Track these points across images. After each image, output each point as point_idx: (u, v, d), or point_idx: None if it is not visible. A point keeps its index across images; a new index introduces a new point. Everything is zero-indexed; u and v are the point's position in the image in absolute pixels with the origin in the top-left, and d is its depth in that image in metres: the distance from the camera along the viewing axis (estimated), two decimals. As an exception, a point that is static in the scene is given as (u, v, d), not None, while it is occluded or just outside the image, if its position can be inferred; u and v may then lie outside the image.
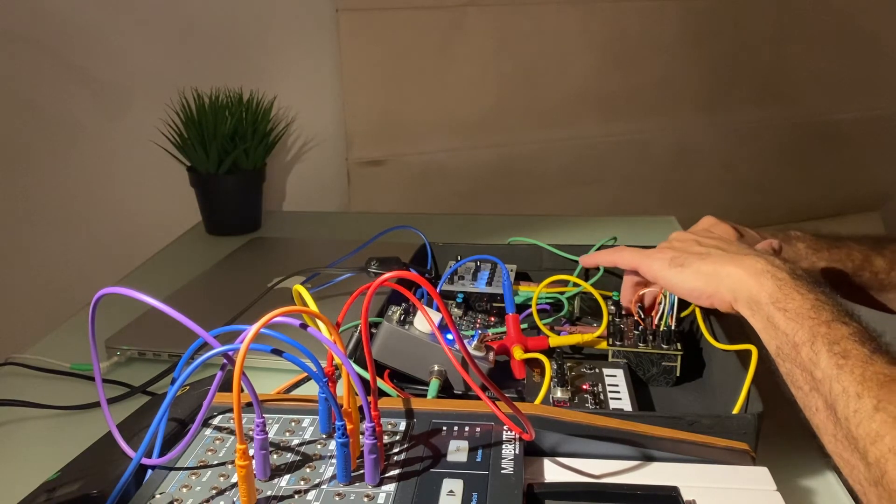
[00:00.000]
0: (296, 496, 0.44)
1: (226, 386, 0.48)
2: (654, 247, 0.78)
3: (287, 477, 0.46)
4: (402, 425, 0.51)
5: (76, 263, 1.35)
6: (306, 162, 1.46)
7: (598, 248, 0.87)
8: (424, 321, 0.62)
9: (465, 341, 0.63)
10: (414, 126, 1.52)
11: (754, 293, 0.59)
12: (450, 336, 0.62)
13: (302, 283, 0.67)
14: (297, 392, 0.60)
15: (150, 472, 0.47)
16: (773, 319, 0.56)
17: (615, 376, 0.66)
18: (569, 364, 0.68)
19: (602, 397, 0.63)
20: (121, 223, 1.37)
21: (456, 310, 0.77)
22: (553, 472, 0.50)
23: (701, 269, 0.63)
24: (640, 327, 0.70)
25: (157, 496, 0.45)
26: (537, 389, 0.62)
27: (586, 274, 0.85)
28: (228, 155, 1.17)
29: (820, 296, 0.56)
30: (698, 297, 0.64)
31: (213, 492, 0.45)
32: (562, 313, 0.78)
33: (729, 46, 1.74)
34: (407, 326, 0.63)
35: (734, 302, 0.61)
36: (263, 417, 0.45)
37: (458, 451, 0.48)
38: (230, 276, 1.01)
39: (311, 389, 0.60)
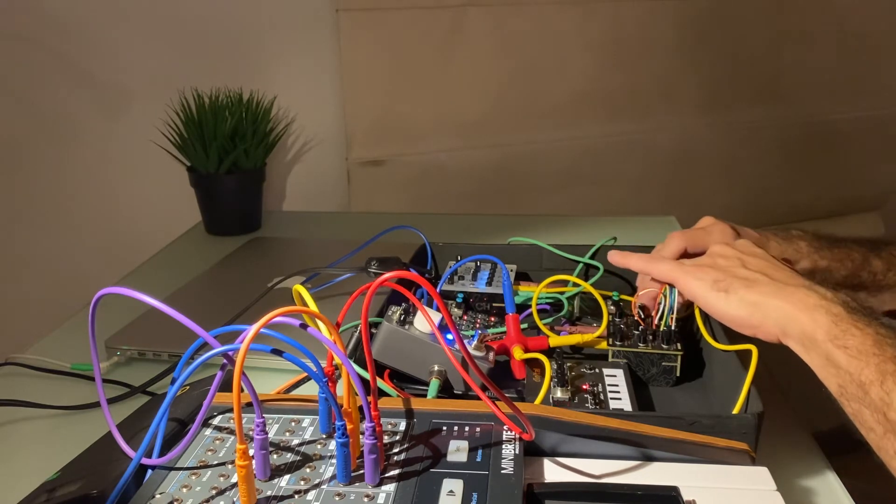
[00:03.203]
0: (296, 496, 0.44)
1: (226, 386, 0.48)
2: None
3: (287, 477, 0.46)
4: (402, 425, 0.51)
5: (76, 263, 1.35)
6: (306, 162, 1.46)
7: (598, 248, 0.87)
8: (424, 321, 0.62)
9: (465, 341, 0.63)
10: (414, 126, 1.52)
11: (808, 330, 0.55)
12: (450, 336, 0.62)
13: (302, 283, 0.67)
14: (297, 392, 0.60)
15: (150, 472, 0.47)
16: (833, 358, 0.53)
17: (615, 376, 0.66)
18: (569, 364, 0.68)
19: (602, 397, 0.63)
20: (121, 223, 1.37)
21: (456, 310, 0.77)
22: (553, 472, 0.50)
23: (746, 297, 0.60)
24: (640, 327, 0.70)
25: (157, 496, 0.45)
26: (537, 389, 0.62)
27: (586, 274, 0.85)
28: (228, 155, 1.17)
29: (880, 329, 0.53)
30: (741, 326, 0.61)
31: (213, 492, 0.45)
32: (562, 313, 0.78)
33: (729, 46, 1.74)
34: (407, 326, 0.63)
35: (783, 336, 0.58)
36: (263, 417, 0.45)
37: (458, 451, 0.48)
38: (230, 276, 1.01)
39: (311, 389, 0.60)
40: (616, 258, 0.77)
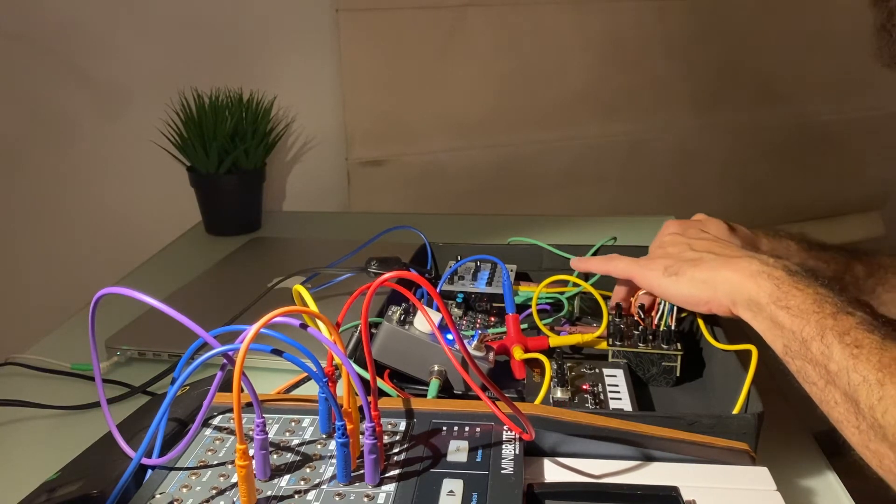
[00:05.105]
0: (296, 496, 0.44)
1: (226, 386, 0.48)
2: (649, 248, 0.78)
3: (287, 477, 0.46)
4: (402, 425, 0.51)
5: (76, 263, 1.35)
6: (306, 162, 1.46)
7: (598, 248, 0.87)
8: (424, 321, 0.62)
9: (465, 341, 0.63)
10: (414, 126, 1.52)
11: (753, 295, 0.58)
12: (450, 336, 0.62)
13: (302, 283, 0.67)
14: (297, 392, 0.60)
15: (150, 472, 0.47)
16: (777, 318, 0.56)
17: (615, 376, 0.66)
18: (569, 364, 0.68)
19: (602, 397, 0.63)
20: (121, 223, 1.37)
21: (456, 310, 0.77)
22: (553, 472, 0.50)
23: (695, 276, 0.63)
24: (640, 327, 0.70)
25: (157, 496, 0.45)
26: (537, 389, 0.62)
27: (586, 274, 0.85)
28: (228, 155, 1.17)
29: (820, 289, 0.56)
30: (695, 304, 0.64)
31: (213, 492, 0.45)
32: (562, 313, 0.78)
33: (728, 46, 1.74)
34: (407, 326, 0.63)
35: (733, 306, 0.61)
36: (263, 417, 0.45)
37: (458, 451, 0.48)
38: (230, 276, 1.01)
39: (311, 389, 0.60)
40: (578, 264, 0.78)
